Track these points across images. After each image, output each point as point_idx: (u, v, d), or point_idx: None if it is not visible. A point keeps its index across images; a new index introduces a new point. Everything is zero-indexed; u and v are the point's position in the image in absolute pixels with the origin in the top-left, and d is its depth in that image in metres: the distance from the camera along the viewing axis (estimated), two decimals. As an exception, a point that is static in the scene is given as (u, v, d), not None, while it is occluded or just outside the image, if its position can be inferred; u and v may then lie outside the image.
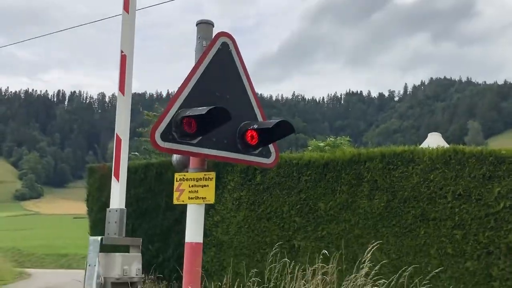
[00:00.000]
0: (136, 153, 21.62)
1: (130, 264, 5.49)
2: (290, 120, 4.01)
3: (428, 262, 8.67)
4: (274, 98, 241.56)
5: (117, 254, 5.57)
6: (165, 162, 11.84)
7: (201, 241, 3.98)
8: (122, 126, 6.03)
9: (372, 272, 7.75)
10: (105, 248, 5.54)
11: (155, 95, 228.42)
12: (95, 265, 5.36)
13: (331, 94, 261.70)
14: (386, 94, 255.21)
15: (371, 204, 9.25)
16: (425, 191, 8.82)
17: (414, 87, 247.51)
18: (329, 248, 9.56)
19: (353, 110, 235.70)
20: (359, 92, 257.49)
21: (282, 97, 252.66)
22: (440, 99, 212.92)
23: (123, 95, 6.03)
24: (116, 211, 5.76)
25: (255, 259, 10.34)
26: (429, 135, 12.32)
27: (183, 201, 4.03)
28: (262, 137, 4.01)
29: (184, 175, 4.04)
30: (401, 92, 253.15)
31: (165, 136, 3.70)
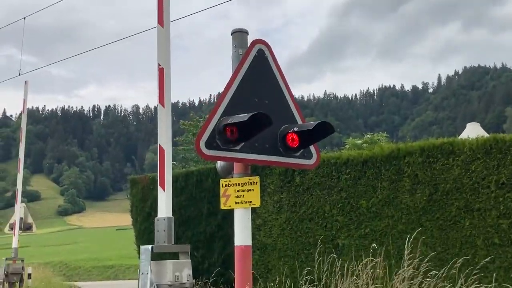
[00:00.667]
0: (174, 162, 21.97)
1: (181, 271, 5.63)
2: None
3: (475, 254, 8.59)
4: (306, 98, 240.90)
5: (168, 261, 5.72)
6: (205, 170, 12.02)
7: (250, 244, 4.08)
8: (164, 137, 6.21)
9: (421, 264, 7.72)
10: (154, 257, 5.71)
11: (187, 104, 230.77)
12: (147, 273, 5.51)
13: (363, 90, 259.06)
14: (420, 86, 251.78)
15: (413, 198, 9.21)
16: (467, 182, 8.74)
17: (448, 77, 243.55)
18: (370, 244, 9.57)
19: (387, 105, 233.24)
20: (392, 86, 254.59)
21: (313, 96, 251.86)
22: (475, 88, 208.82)
23: (164, 107, 6.20)
24: (164, 219, 5.91)
25: (299, 260, 10.40)
26: (468, 125, 12.16)
27: (230, 206, 4.13)
28: (303, 139, 4.08)
29: (230, 181, 4.14)
30: (435, 84, 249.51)
31: (209, 144, 3.81)
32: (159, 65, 6.45)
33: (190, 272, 5.88)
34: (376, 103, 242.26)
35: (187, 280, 5.82)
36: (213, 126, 3.90)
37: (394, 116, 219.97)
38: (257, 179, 4.07)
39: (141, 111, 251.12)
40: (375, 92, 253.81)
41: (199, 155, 3.80)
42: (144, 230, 12.79)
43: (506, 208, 8.36)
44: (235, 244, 4.12)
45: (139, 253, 13.99)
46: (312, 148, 4.41)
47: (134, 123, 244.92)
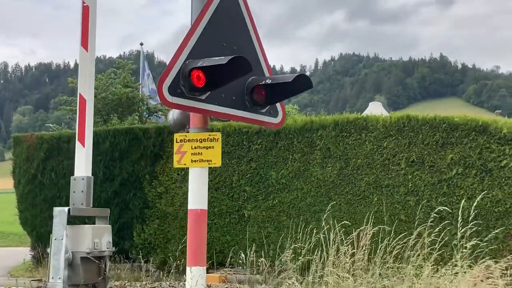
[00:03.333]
0: (52, 125, 20.31)
1: (101, 237, 5.03)
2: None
3: (381, 229, 8.74)
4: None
5: (86, 226, 5.08)
6: (102, 131, 11.15)
7: (206, 208, 3.62)
8: (86, 85, 5.49)
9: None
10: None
11: (62, 66, 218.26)
12: (62, 239, 4.85)
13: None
14: (298, 69, 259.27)
15: (323, 172, 9.17)
16: (378, 158, 8.85)
17: (325, 62, 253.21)
18: (280, 217, 9.46)
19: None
20: (272, 66, 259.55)
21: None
22: (349, 75, 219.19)
23: (87, 51, 5.47)
24: (83, 179, 5.24)
25: (202, 230, 10.01)
26: (370, 104, 12.46)
27: (185, 164, 3.62)
28: (272, 93, 3.68)
29: (185, 135, 3.63)
30: (312, 67, 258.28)
31: (173, 90, 3.27)
32: (83, 2, 5.69)
33: (110, 238, 5.29)
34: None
35: (107, 248, 5.24)
36: (178, 69, 3.35)
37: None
38: (218, 135, 3.60)
39: (10, 69, 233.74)
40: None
41: (161, 101, 3.25)
42: (28, 193, 11.64)
43: (415, 185, 8.58)
44: (189, 208, 3.63)
45: (20, 218, 12.85)
46: (278, 106, 4.01)
47: (1, 81, 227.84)
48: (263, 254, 9.26)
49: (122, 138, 10.86)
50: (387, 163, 8.78)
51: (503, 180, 8.11)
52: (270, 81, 3.64)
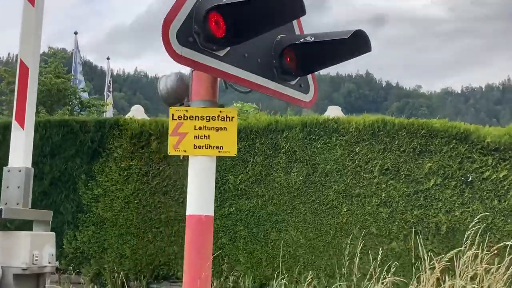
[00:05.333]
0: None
1: (41, 248, 3.81)
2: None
3: (349, 243, 7.91)
4: (115, 73, 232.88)
5: (22, 233, 3.84)
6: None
7: (212, 214, 2.59)
8: (30, 49, 4.25)
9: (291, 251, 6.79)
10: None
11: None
12: (-11, 250, 3.60)
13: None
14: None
15: (288, 177, 8.25)
16: (349, 164, 8.03)
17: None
18: (237, 226, 8.46)
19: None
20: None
21: (124, 72, 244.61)
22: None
23: (33, 5, 4.25)
24: (20, 171, 3.99)
25: (145, 239, 8.82)
26: (329, 108, 11.69)
27: (185, 151, 2.58)
28: (309, 59, 2.70)
29: (186, 110, 2.59)
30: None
31: (183, 37, 2.22)
32: None
33: (54, 250, 4.07)
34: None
35: (49, 262, 4.01)
36: (190, 8, 2.29)
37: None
38: (233, 112, 2.58)
39: None
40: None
41: (167, 51, 2.20)
42: None
43: (388, 196, 7.82)
44: (189, 213, 2.62)
45: None
46: (309, 78, 3.02)
47: None
48: (215, 268, 8.23)
49: (55, 131, 9.49)
50: (359, 170, 7.98)
51: (485, 193, 7.49)
52: (313, 38, 2.64)
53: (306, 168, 8.19)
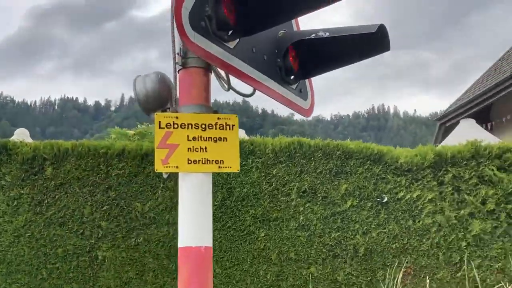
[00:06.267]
0: None
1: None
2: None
3: (267, 270, 7.59)
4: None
5: None
6: None
7: (211, 244, 2.10)
8: None
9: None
10: None
11: None
12: None
13: (44, 98, 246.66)
14: (103, 103, 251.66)
15: (201, 203, 7.75)
16: (266, 187, 7.74)
17: (131, 98, 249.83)
18: (145, 259, 7.79)
19: (68, 117, 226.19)
20: (75, 98, 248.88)
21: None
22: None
23: None
24: None
25: (39, 277, 7.83)
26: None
27: (176, 167, 2.08)
28: (315, 60, 2.32)
29: (176, 117, 2.10)
30: (118, 102, 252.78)
31: (195, 21, 1.76)
32: None
33: None
34: (56, 113, 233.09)
35: None
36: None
37: (74, 129, 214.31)
38: (234, 119, 2.14)
39: None
40: (57, 102, 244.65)
41: (180, 35, 1.72)
42: None
43: (306, 219, 7.63)
44: (184, 245, 2.21)
45: None
46: (307, 83, 2.64)
47: None
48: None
49: None
50: (276, 193, 7.72)
51: (400, 213, 7.55)
52: (328, 34, 2.27)
53: (221, 193, 7.77)
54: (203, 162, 2.19)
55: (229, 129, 2.22)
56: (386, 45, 2.40)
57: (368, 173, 7.64)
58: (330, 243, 7.56)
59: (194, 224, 2.13)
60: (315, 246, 7.57)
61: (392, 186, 7.58)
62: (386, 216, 7.54)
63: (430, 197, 7.48)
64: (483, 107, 17.22)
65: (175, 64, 2.39)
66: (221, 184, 7.78)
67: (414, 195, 7.52)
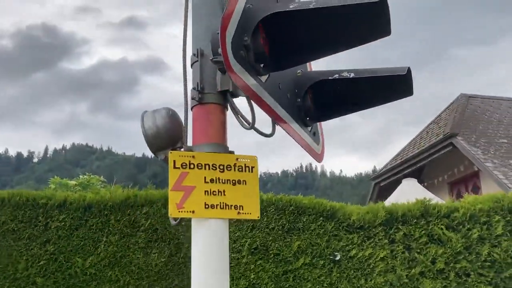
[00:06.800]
0: None
1: None
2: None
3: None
4: None
5: None
6: None
7: (228, 301, 1.86)
8: None
9: None
10: None
11: None
12: None
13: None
14: (25, 154, 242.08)
15: (147, 259, 7.36)
16: (216, 244, 7.45)
17: (56, 150, 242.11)
18: (83, 319, 7.19)
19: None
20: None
21: None
22: (80, 165, 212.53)
23: None
24: None
25: None
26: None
27: (192, 211, 1.84)
28: (334, 101, 2.19)
29: (193, 156, 1.88)
30: (41, 154, 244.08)
31: (236, 49, 1.61)
32: None
33: None
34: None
35: None
36: (241, 11, 1.70)
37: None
38: (254, 160, 1.97)
39: None
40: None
41: (225, 63, 1.55)
42: None
43: (257, 277, 7.37)
44: None
45: None
46: (319, 127, 2.50)
47: None
48: None
49: None
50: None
51: (352, 271, 7.45)
52: (353, 74, 2.15)
53: (169, 248, 7.41)
54: (222, 207, 1.98)
55: (249, 171, 2.03)
56: (409, 90, 2.34)
57: (321, 229, 7.55)
58: (281, 302, 7.30)
59: (211, 278, 1.89)
60: (266, 306, 7.29)
61: (344, 244, 7.51)
62: (338, 275, 7.41)
63: (382, 255, 7.44)
64: (416, 169, 17.80)
65: (186, 100, 2.21)
66: (168, 239, 7.44)
67: (366, 253, 7.46)
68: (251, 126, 2.23)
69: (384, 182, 18.88)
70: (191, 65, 2.28)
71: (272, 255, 7.45)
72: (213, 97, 2.17)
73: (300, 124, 2.30)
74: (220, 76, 2.11)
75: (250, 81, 1.81)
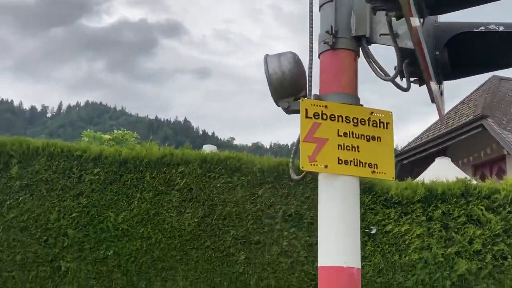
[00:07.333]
0: None
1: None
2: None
3: (244, 295, 7.14)
4: None
5: None
6: None
7: (360, 266, 1.71)
8: None
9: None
10: None
11: None
12: None
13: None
14: (39, 108, 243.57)
15: (181, 218, 7.27)
16: (250, 208, 7.34)
17: (69, 106, 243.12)
18: (113, 274, 7.19)
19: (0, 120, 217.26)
20: (10, 100, 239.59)
21: None
22: (93, 123, 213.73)
23: None
24: None
25: (-10, 286, 7.08)
26: (204, 146, 10.94)
27: (325, 166, 1.68)
28: (474, 58, 1.99)
29: (325, 105, 1.70)
30: (55, 109, 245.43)
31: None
32: None
33: None
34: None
35: None
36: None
37: (6, 132, 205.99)
38: (389, 116, 1.78)
39: None
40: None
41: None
42: None
43: (290, 245, 7.26)
44: (323, 263, 1.67)
45: None
46: (443, 88, 2.30)
47: None
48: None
49: None
50: (261, 215, 7.33)
51: (387, 246, 7.31)
52: (502, 28, 1.95)
53: (202, 209, 7.30)
54: (355, 163, 1.81)
55: (383, 127, 1.85)
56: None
57: (357, 202, 7.38)
58: (313, 272, 7.19)
59: (345, 240, 1.73)
60: (296, 274, 7.20)
61: (380, 218, 7.35)
62: (372, 248, 7.28)
63: (418, 232, 7.28)
64: (440, 149, 17.54)
65: (311, 44, 2.02)
66: (203, 200, 7.33)
67: (403, 229, 7.31)
68: (393, 77, 2.02)
69: (407, 160, 18.66)
70: (320, 7, 2.08)
71: (306, 223, 7.32)
72: (347, 42, 1.98)
73: (435, 79, 2.09)
74: (355, 20, 1.92)
75: (416, 22, 1.61)
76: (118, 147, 8.40)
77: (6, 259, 7.13)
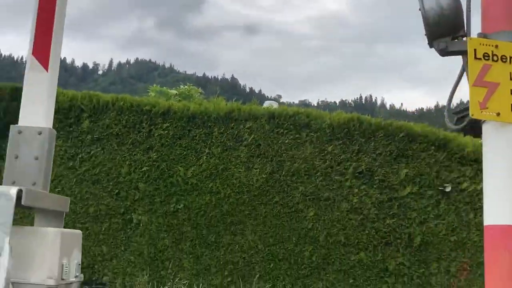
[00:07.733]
0: None
1: (70, 254, 2.43)
2: None
3: (313, 251, 7.09)
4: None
5: (51, 230, 2.38)
6: None
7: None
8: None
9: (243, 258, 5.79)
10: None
11: None
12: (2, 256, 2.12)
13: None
14: (91, 66, 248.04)
15: (249, 174, 7.23)
16: (319, 164, 7.22)
17: (120, 64, 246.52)
18: (183, 227, 7.26)
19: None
20: (63, 58, 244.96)
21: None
22: (143, 80, 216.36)
23: None
24: (40, 133, 2.53)
25: (65, 236, 7.26)
26: (266, 102, 10.83)
27: (498, 114, 1.53)
28: None
29: (496, 45, 1.55)
30: (106, 67, 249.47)
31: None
32: None
33: (80, 257, 2.69)
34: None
35: (75, 276, 2.60)
36: None
37: (59, 88, 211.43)
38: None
39: None
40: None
41: None
42: None
43: (360, 202, 7.13)
44: (494, 222, 1.54)
45: None
46: None
47: None
48: (149, 274, 7.02)
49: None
50: (330, 171, 7.20)
51: (461, 205, 7.08)
52: None
53: (271, 165, 7.23)
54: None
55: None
56: None
57: (431, 159, 7.15)
58: (383, 229, 7.07)
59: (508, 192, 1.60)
60: (367, 231, 7.09)
61: (455, 176, 7.11)
62: (446, 206, 7.07)
63: (495, 191, 7.01)
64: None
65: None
66: (271, 156, 7.25)
67: (479, 187, 7.04)
68: None
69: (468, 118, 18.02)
70: None
71: (378, 181, 7.15)
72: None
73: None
74: None
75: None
76: (186, 102, 8.37)
77: (79, 211, 7.29)
